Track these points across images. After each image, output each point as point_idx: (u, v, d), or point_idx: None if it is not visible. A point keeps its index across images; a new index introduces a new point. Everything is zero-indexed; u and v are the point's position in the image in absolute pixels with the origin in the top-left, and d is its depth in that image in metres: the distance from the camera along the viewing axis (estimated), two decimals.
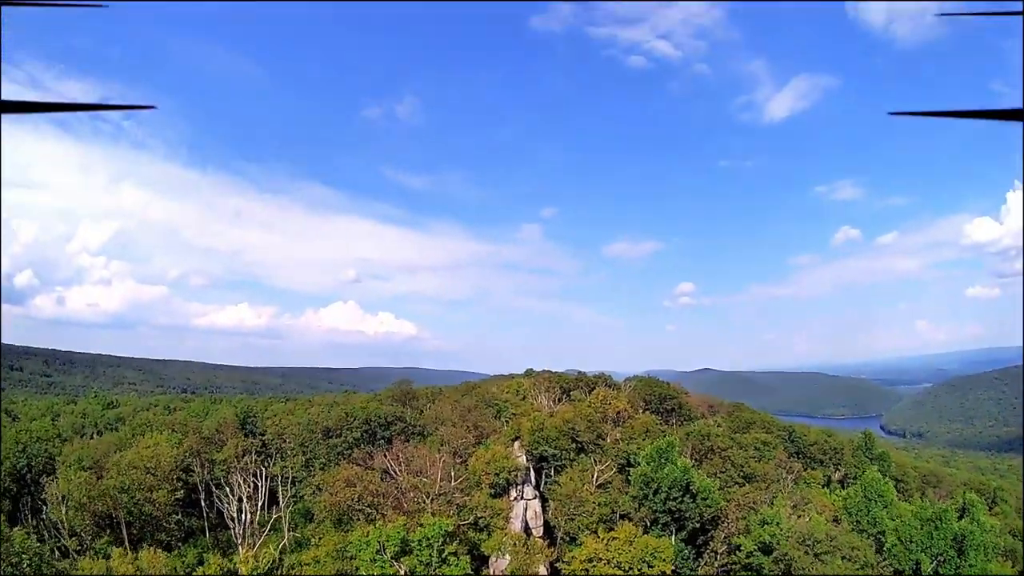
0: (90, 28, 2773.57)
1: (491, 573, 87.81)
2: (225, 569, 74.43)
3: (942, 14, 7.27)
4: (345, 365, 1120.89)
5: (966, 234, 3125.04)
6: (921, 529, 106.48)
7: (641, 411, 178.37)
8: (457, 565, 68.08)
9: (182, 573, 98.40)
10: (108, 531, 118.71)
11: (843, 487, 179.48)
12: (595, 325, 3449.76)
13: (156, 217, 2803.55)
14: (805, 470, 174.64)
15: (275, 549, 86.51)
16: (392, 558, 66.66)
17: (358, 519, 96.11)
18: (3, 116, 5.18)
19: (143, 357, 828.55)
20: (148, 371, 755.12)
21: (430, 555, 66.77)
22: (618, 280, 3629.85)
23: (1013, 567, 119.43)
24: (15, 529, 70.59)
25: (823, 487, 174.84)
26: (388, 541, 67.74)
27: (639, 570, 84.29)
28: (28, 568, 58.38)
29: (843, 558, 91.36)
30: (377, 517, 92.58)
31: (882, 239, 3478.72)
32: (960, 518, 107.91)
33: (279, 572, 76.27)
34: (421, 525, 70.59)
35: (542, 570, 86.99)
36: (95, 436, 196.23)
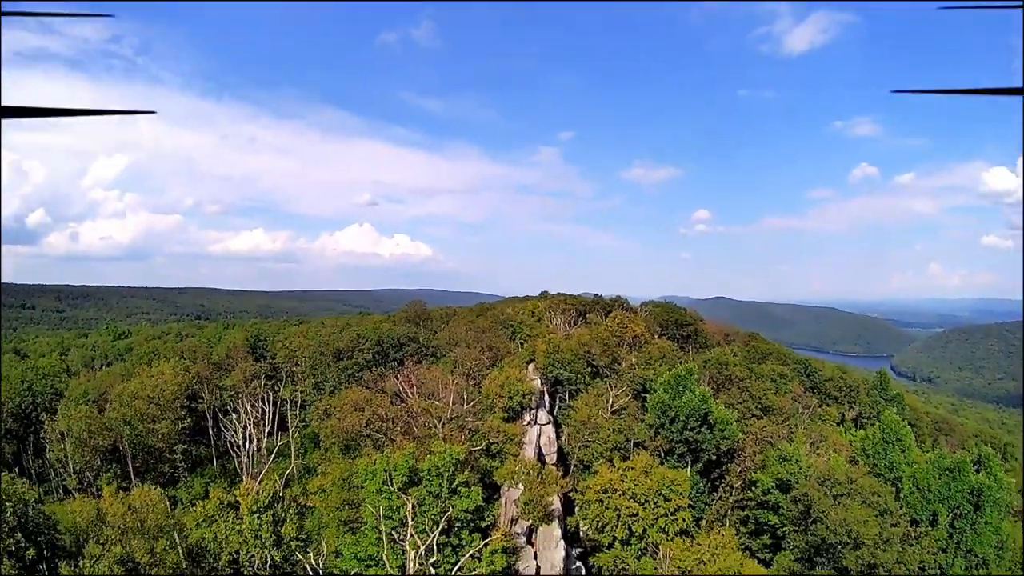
0: None
1: (503, 502, 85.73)
2: (225, 502, 71.80)
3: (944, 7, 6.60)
4: (360, 288, 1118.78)
5: (984, 182, 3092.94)
6: (939, 479, 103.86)
7: (657, 336, 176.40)
8: (468, 496, 64.99)
9: (174, 508, 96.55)
10: (114, 466, 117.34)
11: (857, 426, 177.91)
12: (610, 250, 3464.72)
13: (170, 148, 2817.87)
14: (820, 406, 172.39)
15: (281, 477, 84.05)
16: (399, 489, 63.67)
17: (366, 445, 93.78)
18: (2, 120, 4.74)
19: (156, 287, 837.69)
20: (162, 300, 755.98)
21: (440, 485, 63.80)
22: (634, 205, 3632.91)
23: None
24: (2, 474, 67.65)
25: (837, 425, 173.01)
26: (395, 471, 64.68)
27: (655, 502, 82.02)
28: (11, 517, 55.61)
29: (863, 503, 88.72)
30: (386, 443, 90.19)
31: (900, 179, 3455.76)
32: (977, 471, 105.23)
33: (280, 505, 73.76)
34: (431, 452, 67.45)
35: (556, 501, 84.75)
36: (104, 368, 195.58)
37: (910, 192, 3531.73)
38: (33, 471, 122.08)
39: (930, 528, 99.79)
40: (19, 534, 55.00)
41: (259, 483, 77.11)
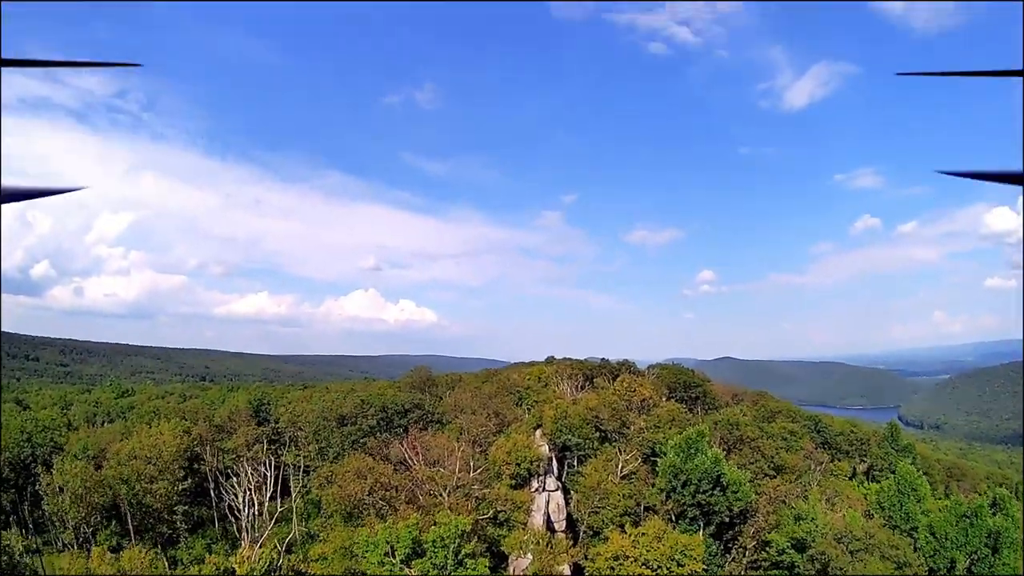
0: (106, 18, 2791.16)
1: (511, 574, 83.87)
2: (222, 568, 70.23)
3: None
4: (366, 353, 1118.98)
5: (985, 224, 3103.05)
6: (956, 525, 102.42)
7: (665, 399, 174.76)
8: (475, 568, 62.91)
9: (166, 573, 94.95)
10: (113, 523, 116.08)
11: (868, 479, 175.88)
12: (614, 312, 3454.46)
13: (175, 207, 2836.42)
14: (832, 461, 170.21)
15: (281, 544, 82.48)
16: (402, 561, 61.75)
17: (369, 513, 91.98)
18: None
19: (161, 346, 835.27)
20: (166, 359, 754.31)
21: (445, 557, 61.78)
22: (637, 267, 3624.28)
23: None
24: None
25: (849, 479, 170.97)
26: (398, 542, 62.76)
27: (668, 569, 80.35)
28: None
29: (882, 557, 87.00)
30: (389, 512, 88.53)
31: (902, 228, 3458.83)
32: (993, 514, 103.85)
33: (277, 573, 72.10)
34: (435, 523, 65.63)
35: (566, 570, 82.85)
36: (106, 424, 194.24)
37: (912, 240, 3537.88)
38: (30, 522, 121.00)
39: None
40: None
41: (259, 548, 75.81)
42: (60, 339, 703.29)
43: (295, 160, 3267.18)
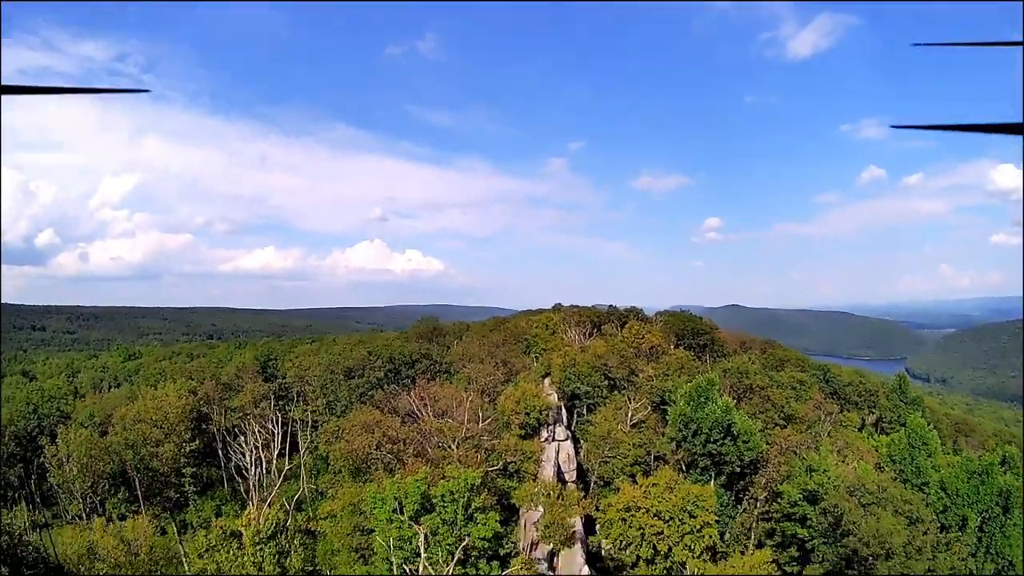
0: None
1: (522, 524, 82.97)
2: (228, 531, 68.95)
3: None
4: (373, 304, 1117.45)
5: (991, 180, 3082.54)
6: (968, 482, 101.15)
7: (674, 346, 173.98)
8: (485, 524, 61.14)
9: (165, 541, 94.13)
10: (122, 490, 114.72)
11: (877, 431, 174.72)
12: (622, 260, 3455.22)
13: (178, 168, 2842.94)
14: (841, 412, 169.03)
15: (290, 503, 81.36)
16: (410, 518, 60.04)
17: (377, 468, 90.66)
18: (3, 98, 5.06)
19: (168, 307, 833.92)
20: (174, 319, 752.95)
21: (454, 512, 59.98)
22: (645, 215, 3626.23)
23: None
24: None
25: (858, 430, 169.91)
26: (407, 498, 60.96)
27: (680, 519, 79.37)
28: None
29: (895, 512, 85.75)
30: (397, 466, 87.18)
31: (908, 180, 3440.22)
32: (1003, 472, 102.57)
33: (284, 535, 70.94)
34: (444, 477, 63.82)
35: (577, 522, 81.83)
36: (113, 389, 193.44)
37: (918, 193, 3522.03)
38: (38, 496, 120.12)
39: (960, 533, 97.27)
40: (4, 568, 52.67)
41: (267, 508, 74.77)
42: (67, 306, 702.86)
43: (299, 114, 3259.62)
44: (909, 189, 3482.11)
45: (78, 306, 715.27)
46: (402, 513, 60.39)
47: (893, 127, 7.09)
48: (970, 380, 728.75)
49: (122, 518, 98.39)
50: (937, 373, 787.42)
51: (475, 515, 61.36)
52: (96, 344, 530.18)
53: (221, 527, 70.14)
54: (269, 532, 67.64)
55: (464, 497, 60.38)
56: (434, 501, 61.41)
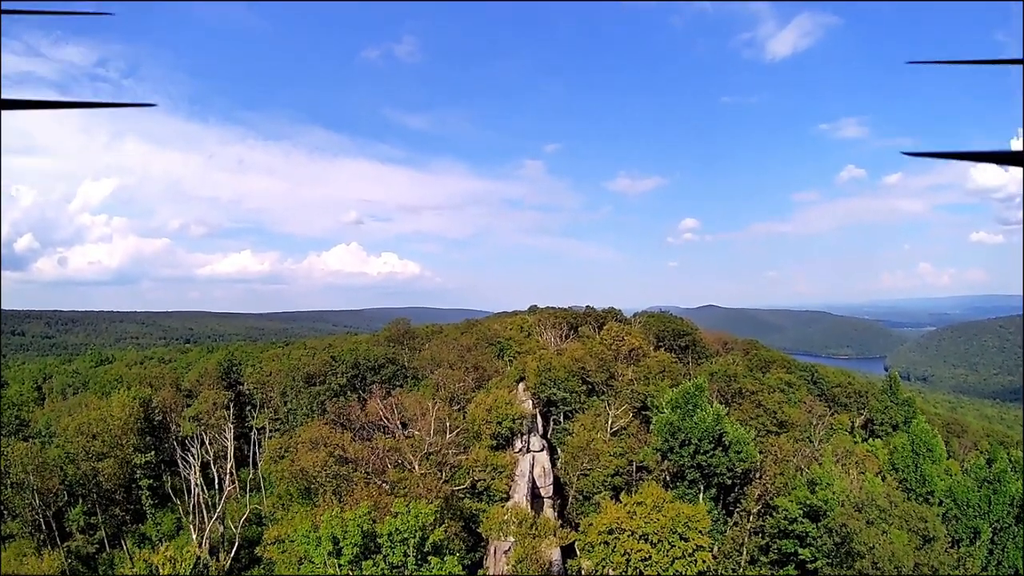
0: None
1: (491, 553, 73.62)
2: (148, 565, 59.52)
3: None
4: (349, 307, 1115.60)
5: (971, 178, 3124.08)
6: (979, 492, 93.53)
7: (654, 348, 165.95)
8: (441, 568, 49.98)
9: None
10: (81, 503, 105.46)
11: (867, 433, 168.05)
12: (598, 262, 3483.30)
13: (157, 171, 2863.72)
14: (831, 415, 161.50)
15: (235, 524, 72.09)
16: (349, 562, 49.32)
17: (326, 491, 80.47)
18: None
19: (146, 311, 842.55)
20: (150, 324, 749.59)
21: (404, 553, 49.47)
22: (621, 216, 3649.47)
23: None
24: None
25: (848, 433, 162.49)
26: (346, 536, 50.07)
27: (670, 542, 70.41)
28: None
29: (909, 530, 77.27)
30: (345, 490, 77.19)
31: (887, 179, 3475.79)
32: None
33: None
34: (393, 515, 52.88)
35: (554, 554, 72.53)
36: (71, 397, 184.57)
37: (898, 192, 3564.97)
38: None
39: (971, 547, 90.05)
40: None
41: (208, 530, 65.89)
42: (45, 311, 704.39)
43: (277, 118, 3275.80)
44: (889, 188, 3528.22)
45: (57, 311, 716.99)
46: (338, 557, 49.58)
47: (905, 153, 5.20)
48: (951, 378, 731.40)
49: (81, 531, 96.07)
50: (917, 371, 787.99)
51: (430, 557, 50.53)
52: (74, 348, 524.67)
53: (145, 559, 60.96)
54: (187, 571, 57.84)
55: (415, 536, 49.65)
56: (379, 541, 50.65)
